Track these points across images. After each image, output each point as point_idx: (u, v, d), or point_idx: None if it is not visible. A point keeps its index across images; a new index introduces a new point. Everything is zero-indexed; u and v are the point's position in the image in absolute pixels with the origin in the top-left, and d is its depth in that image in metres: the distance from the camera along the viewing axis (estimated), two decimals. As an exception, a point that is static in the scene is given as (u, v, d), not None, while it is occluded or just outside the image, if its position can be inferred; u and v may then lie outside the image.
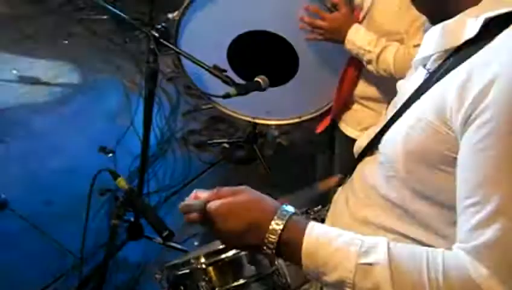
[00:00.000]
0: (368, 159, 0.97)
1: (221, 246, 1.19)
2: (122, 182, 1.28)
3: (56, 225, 2.26)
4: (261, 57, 1.84)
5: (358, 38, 1.56)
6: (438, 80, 0.79)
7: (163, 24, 1.68)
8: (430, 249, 0.73)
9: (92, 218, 2.31)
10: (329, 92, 1.80)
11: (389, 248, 0.73)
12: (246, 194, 0.81)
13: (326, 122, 1.90)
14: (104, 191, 2.36)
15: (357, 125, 1.77)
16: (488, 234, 0.68)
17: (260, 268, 1.17)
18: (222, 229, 0.79)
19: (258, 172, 2.82)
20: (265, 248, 0.77)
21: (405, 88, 0.93)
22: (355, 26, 1.58)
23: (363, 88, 1.72)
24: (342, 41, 1.59)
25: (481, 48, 0.73)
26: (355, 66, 1.68)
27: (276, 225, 0.76)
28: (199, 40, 1.81)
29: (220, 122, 3.18)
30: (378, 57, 1.54)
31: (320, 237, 0.76)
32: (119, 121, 3.06)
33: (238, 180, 2.81)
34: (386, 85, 1.64)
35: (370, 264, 0.72)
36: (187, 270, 1.19)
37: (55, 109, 3.11)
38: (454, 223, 0.76)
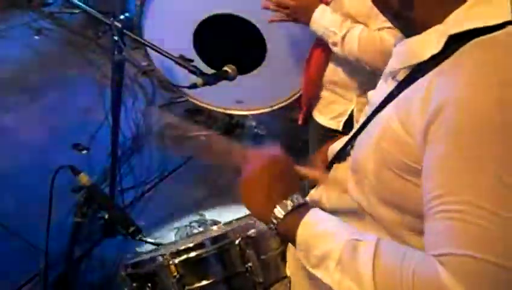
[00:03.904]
0: (341, 163, 1.00)
1: (190, 245, 1.16)
2: (84, 179, 1.24)
3: (28, 225, 2.21)
4: (228, 43, 1.81)
5: (324, 19, 1.55)
6: (403, 89, 0.82)
7: (127, 15, 1.63)
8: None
9: (66, 216, 2.29)
10: (299, 78, 1.77)
11: (378, 238, 0.77)
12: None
13: (303, 111, 1.87)
14: (77, 188, 2.31)
15: (328, 113, 1.75)
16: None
17: (231, 266, 1.15)
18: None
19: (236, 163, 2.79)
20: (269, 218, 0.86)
21: (375, 97, 0.96)
22: (322, 7, 1.56)
23: (331, 73, 1.69)
24: (307, 23, 1.57)
25: (442, 61, 0.76)
26: (322, 49, 1.65)
27: (279, 213, 0.85)
28: (163, 26, 1.78)
29: (197, 114, 3.14)
30: (343, 38, 1.52)
31: (321, 214, 0.84)
32: (92, 116, 3.00)
33: (216, 172, 2.78)
34: (354, 70, 1.63)
35: (359, 239, 0.76)
36: (155, 268, 1.16)
37: (26, 106, 3.04)
38: (418, 232, 0.80)
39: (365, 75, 1.60)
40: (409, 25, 0.86)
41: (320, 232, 0.80)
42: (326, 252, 0.78)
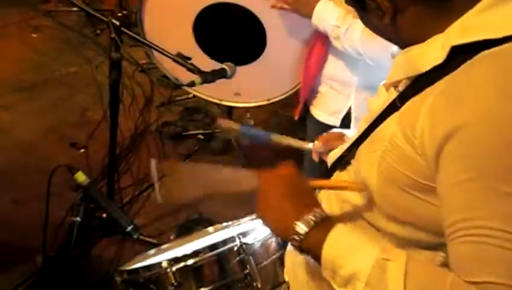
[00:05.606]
0: (342, 172, 0.96)
1: (188, 252, 1.15)
2: (81, 177, 1.24)
3: (26, 224, 2.20)
4: (229, 32, 1.79)
5: (326, 13, 1.54)
6: (405, 101, 0.79)
7: (125, 12, 1.62)
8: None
9: (65, 215, 2.28)
10: (298, 72, 1.76)
11: (408, 254, 0.73)
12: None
13: (300, 106, 1.86)
14: (76, 186, 2.30)
15: (326, 109, 1.74)
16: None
17: (229, 273, 1.14)
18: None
19: (234, 162, 2.79)
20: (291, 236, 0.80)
21: (375, 106, 0.93)
22: (324, 0, 1.55)
23: (330, 68, 1.69)
24: (309, 15, 1.56)
25: (446, 74, 0.73)
26: (323, 43, 1.64)
27: (301, 229, 0.79)
28: (164, 13, 1.76)
29: (195, 113, 3.13)
30: (345, 33, 1.51)
31: (347, 230, 0.79)
32: (91, 114, 2.99)
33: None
34: (352, 66, 1.62)
35: (388, 259, 0.72)
36: (152, 275, 1.14)
37: (24, 104, 3.02)
38: (423, 247, 0.78)
39: (363, 72, 1.59)
40: (403, 43, 0.83)
41: (347, 250, 0.76)
42: (354, 272, 0.74)
